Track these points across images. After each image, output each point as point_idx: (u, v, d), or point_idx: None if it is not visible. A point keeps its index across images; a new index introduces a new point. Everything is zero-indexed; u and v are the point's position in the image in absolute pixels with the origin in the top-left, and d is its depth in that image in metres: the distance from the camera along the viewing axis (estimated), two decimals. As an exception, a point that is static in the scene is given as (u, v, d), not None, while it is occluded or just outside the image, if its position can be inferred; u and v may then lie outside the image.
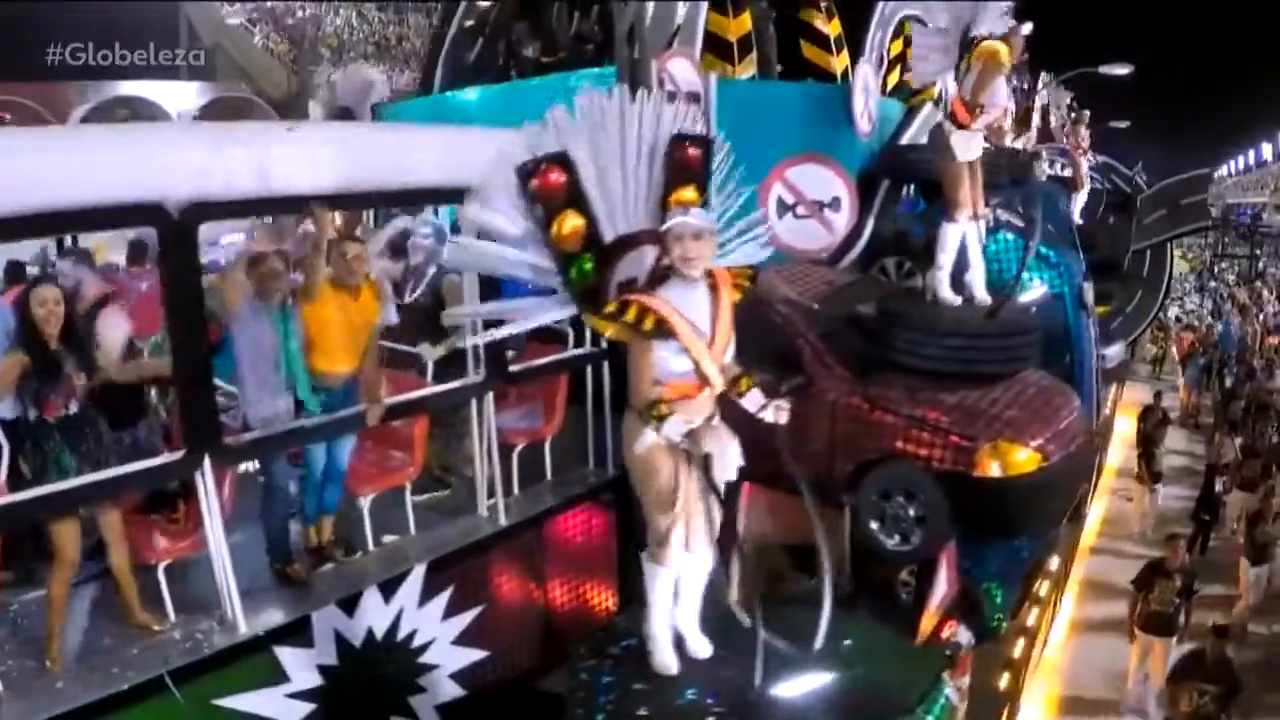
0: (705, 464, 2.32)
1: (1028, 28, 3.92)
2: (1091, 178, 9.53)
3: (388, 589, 3.34)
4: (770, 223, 5.15)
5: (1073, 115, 11.30)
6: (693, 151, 2.39)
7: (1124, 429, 10.75)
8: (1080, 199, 8.77)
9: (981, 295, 4.08)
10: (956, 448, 3.55)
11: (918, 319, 3.94)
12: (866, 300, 4.32)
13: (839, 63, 6.27)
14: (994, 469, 3.51)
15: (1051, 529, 4.78)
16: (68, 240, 4.00)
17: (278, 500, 3.29)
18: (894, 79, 7.18)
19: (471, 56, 5.66)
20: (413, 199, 3.33)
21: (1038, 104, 10.74)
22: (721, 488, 2.40)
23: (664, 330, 2.21)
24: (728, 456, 2.42)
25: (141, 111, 14.82)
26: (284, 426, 3.13)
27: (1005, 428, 3.60)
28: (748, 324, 4.05)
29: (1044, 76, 11.03)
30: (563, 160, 2.20)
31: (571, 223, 2.23)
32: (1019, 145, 5.41)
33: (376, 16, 18.64)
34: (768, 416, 2.40)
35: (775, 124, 5.14)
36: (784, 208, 5.20)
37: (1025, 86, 10.32)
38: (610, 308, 2.23)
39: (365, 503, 3.56)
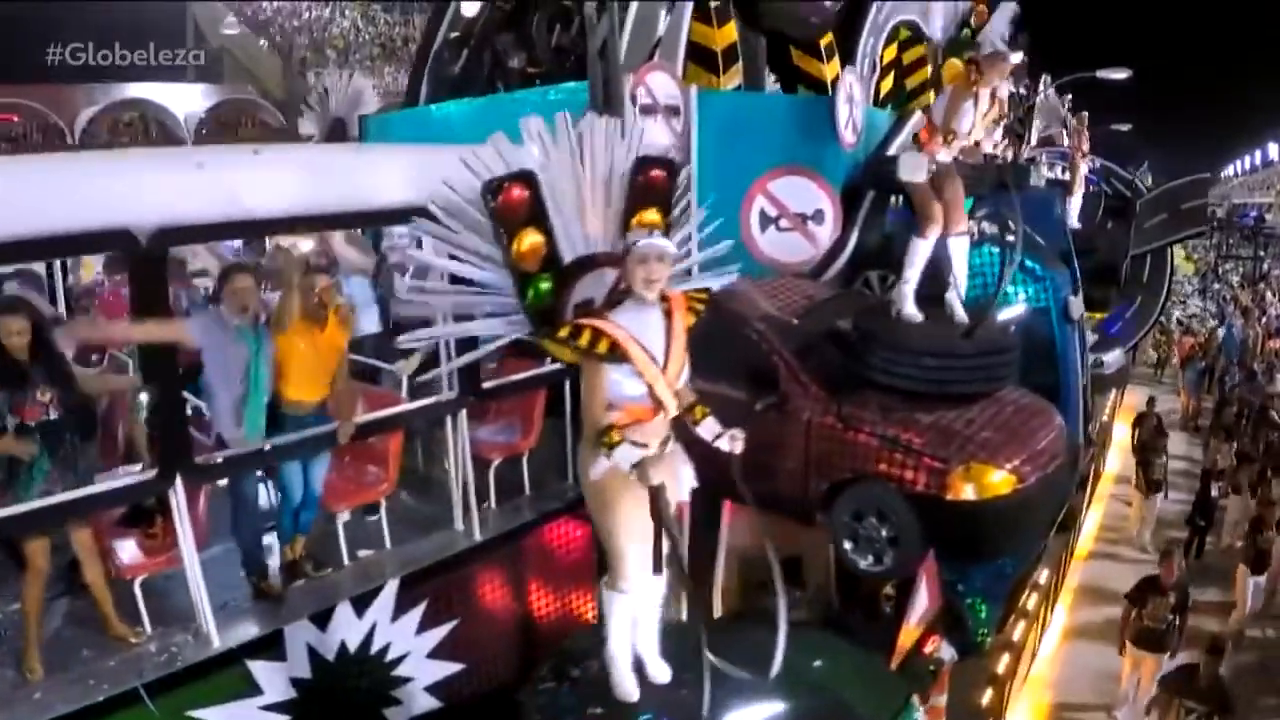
0: (656, 493, 2.30)
1: (1017, 56, 3.81)
2: (1090, 181, 9.38)
3: (360, 603, 3.36)
4: (753, 235, 5.11)
5: (1073, 118, 11.11)
6: (657, 174, 2.36)
7: (1123, 435, 10.63)
8: (1075, 203, 8.63)
9: (961, 313, 4.02)
10: (929, 469, 3.50)
11: (892, 337, 3.88)
12: (847, 315, 4.26)
13: (830, 70, 6.17)
14: (967, 492, 3.45)
15: (1028, 552, 4.71)
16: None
17: (248, 513, 3.31)
18: (887, 85, 7.07)
19: (456, 68, 5.64)
20: (383, 219, 3.32)
21: (1037, 107, 10.57)
22: (674, 512, 2.38)
23: (618, 354, 2.19)
24: (680, 481, 2.41)
25: (149, 114, 14.97)
26: (255, 445, 3.14)
27: (979, 449, 3.54)
28: (725, 340, 4.06)
29: (1044, 79, 10.84)
30: (527, 177, 2.17)
31: (530, 240, 2.21)
32: (1006, 153, 5.26)
33: (383, 18, 18.60)
34: (723, 445, 2.39)
35: (758, 135, 5.08)
36: (767, 220, 5.14)
37: (1024, 90, 10.15)
38: (563, 331, 2.20)
39: (341, 518, 3.57)
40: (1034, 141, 10.25)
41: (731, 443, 2.37)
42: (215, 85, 15.81)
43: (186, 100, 15.10)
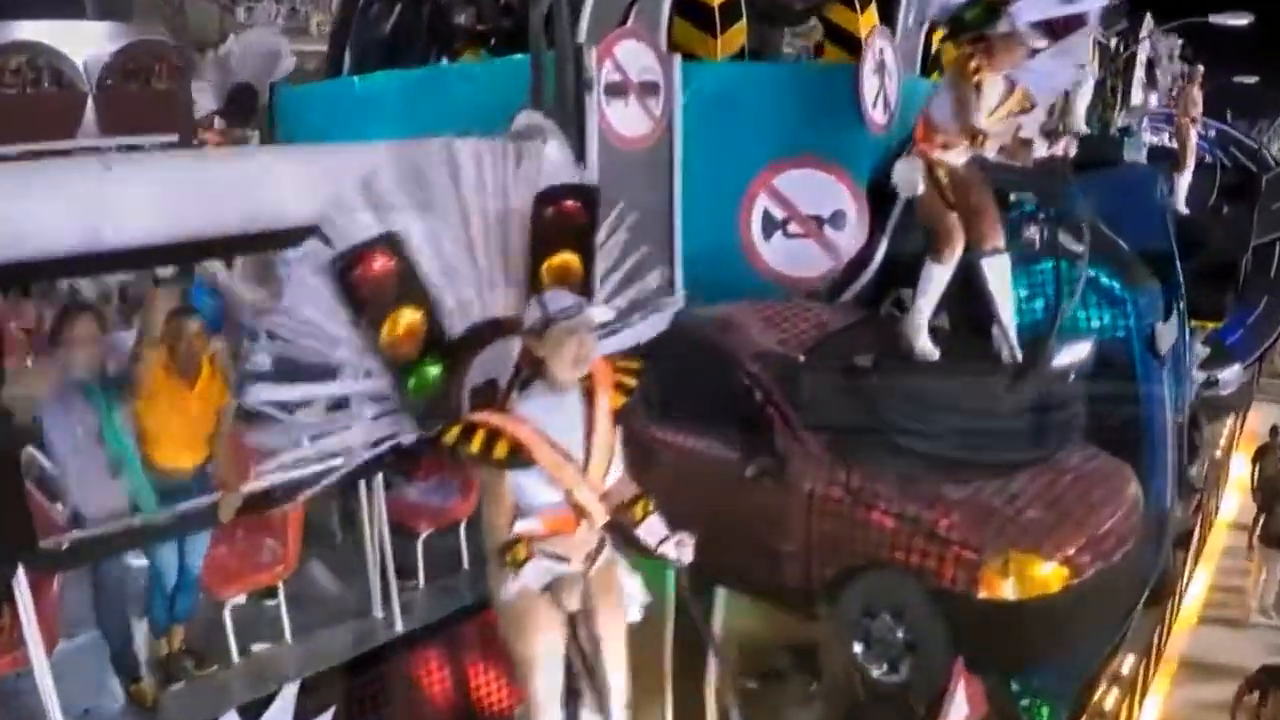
0: (580, 620, 2.27)
1: (1040, 42, 3.65)
2: (1203, 150, 9.15)
3: (251, 712, 3.36)
4: (754, 243, 5.03)
5: (1183, 72, 10.80)
6: (570, 205, 2.27)
7: (1243, 472, 10.43)
8: (1184, 182, 8.43)
9: (1010, 350, 3.93)
10: (958, 560, 3.42)
11: (917, 385, 3.80)
12: (868, 349, 4.17)
13: (865, 22, 6.00)
14: (1005, 590, 3.37)
15: (1087, 658, 4.61)
16: None
17: (114, 600, 3.32)
18: (939, 38, 6.87)
19: (388, 28, 5.55)
20: (271, 242, 3.29)
21: (1141, 58, 10.26)
22: (612, 640, 2.35)
23: (521, 459, 2.14)
24: (623, 599, 2.38)
25: (41, 59, 15.06)
26: (118, 525, 3.15)
27: (1022, 535, 3.45)
28: (711, 384, 3.98)
29: (1146, 22, 10.50)
30: (389, 241, 2.11)
31: (406, 320, 2.15)
32: (1069, 148, 5.08)
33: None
34: (669, 553, 2.35)
35: (761, 117, 4.96)
36: (772, 224, 5.05)
37: (1117, 40, 9.85)
38: (451, 434, 2.15)
39: (229, 602, 3.58)
40: (1134, 102, 9.99)
41: (679, 550, 2.33)
42: (123, 24, 15.84)
43: (86, 42, 15.15)
